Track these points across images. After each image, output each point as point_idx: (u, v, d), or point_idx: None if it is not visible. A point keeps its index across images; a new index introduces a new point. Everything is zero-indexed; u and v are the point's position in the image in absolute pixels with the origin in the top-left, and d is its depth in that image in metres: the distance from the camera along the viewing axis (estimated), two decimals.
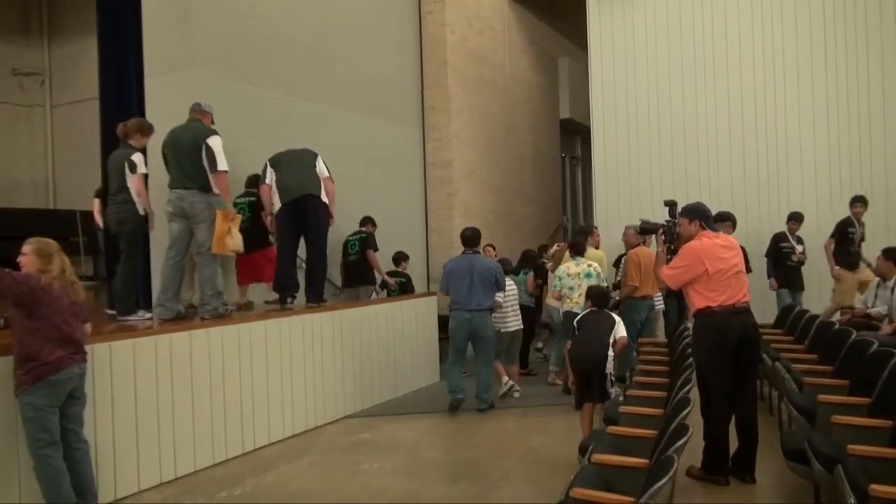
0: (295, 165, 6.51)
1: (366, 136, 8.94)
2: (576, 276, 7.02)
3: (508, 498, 4.55)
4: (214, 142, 5.69)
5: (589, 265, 7.09)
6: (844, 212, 8.11)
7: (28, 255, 3.81)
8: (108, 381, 4.54)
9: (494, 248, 8.92)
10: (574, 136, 15.38)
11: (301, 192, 6.40)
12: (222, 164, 5.68)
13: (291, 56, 7.92)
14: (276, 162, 6.55)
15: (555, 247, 8.79)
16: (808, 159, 9.25)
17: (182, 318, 5.83)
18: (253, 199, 7.00)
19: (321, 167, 6.61)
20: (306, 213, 6.43)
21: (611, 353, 5.20)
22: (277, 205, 6.46)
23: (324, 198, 6.52)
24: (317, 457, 5.60)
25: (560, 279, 7.09)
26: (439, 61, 10.39)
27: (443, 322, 7.78)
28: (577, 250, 7.26)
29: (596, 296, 5.74)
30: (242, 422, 5.62)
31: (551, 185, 14.15)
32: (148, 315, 6.02)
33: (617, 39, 10.34)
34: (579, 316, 5.81)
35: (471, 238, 6.99)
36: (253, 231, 6.77)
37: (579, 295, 6.82)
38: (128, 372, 4.72)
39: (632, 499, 2.72)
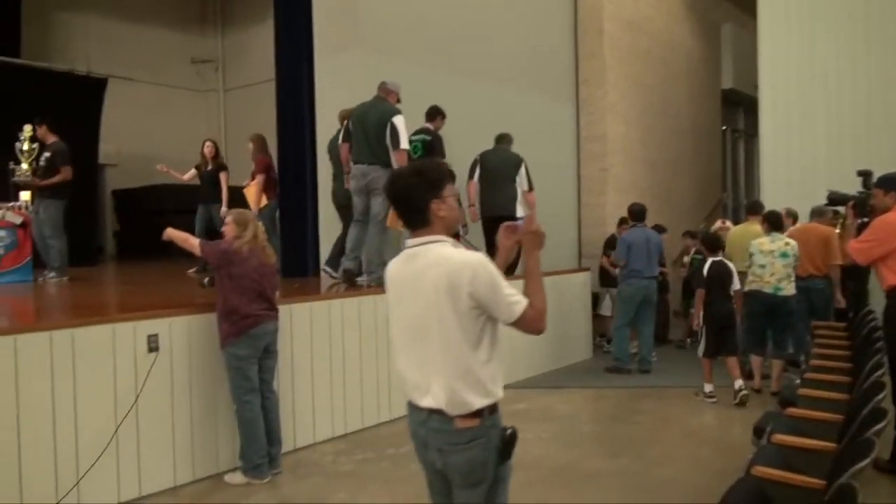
0: (496, 176, 7.04)
1: (519, 112, 8.91)
2: (769, 254, 6.42)
3: (672, 476, 4.47)
4: (399, 121, 5.92)
5: (786, 243, 6.42)
6: None
7: (229, 223, 4.38)
8: (288, 340, 4.92)
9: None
10: (737, 107, 14.50)
11: (491, 213, 6.91)
12: (404, 143, 5.91)
13: (449, 34, 8.05)
14: (484, 161, 7.12)
15: (717, 224, 8.37)
16: None
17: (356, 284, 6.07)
18: (428, 138, 6.85)
19: (522, 179, 6.99)
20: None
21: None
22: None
23: (518, 212, 6.85)
24: None
25: (752, 255, 6.53)
26: (595, 31, 10.15)
27: None
28: (775, 225, 6.57)
29: (709, 241, 6.43)
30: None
31: (710, 160, 13.44)
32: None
33: (790, 4, 9.58)
34: (707, 265, 6.27)
35: (640, 212, 7.59)
36: None
37: (771, 275, 6.37)
38: (305, 333, 5.10)
39: (822, 480, 2.61)
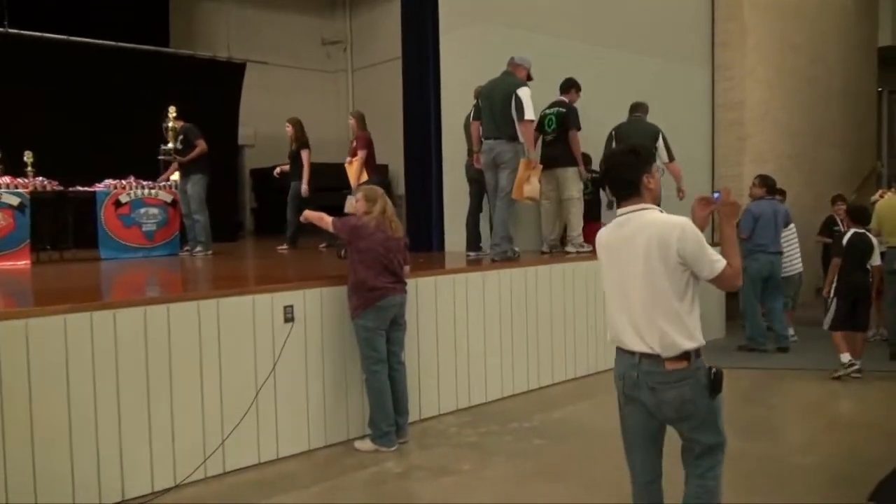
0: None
1: (650, 79, 8.51)
2: None
3: (815, 464, 4.18)
4: (524, 92, 5.90)
5: None
6: None
7: (360, 199, 4.55)
8: (414, 314, 5.01)
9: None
10: None
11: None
12: (529, 114, 5.88)
13: (576, 1, 7.81)
14: (620, 134, 6.98)
15: (877, 195, 7.66)
16: None
17: (511, 260, 6.11)
18: (563, 110, 6.74)
19: (661, 151, 6.88)
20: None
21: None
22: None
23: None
24: (599, 399, 5.65)
25: None
26: None
27: None
28: None
29: (856, 212, 6.28)
30: (528, 361, 5.87)
31: (864, 126, 12.31)
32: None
33: None
34: (847, 237, 6.10)
35: (773, 185, 7.43)
36: (559, 146, 6.69)
37: None
38: (430, 306, 5.18)
39: None
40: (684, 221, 2.53)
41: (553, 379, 6.08)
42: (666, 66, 8.92)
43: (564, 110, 6.70)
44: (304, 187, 7.98)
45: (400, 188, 10.49)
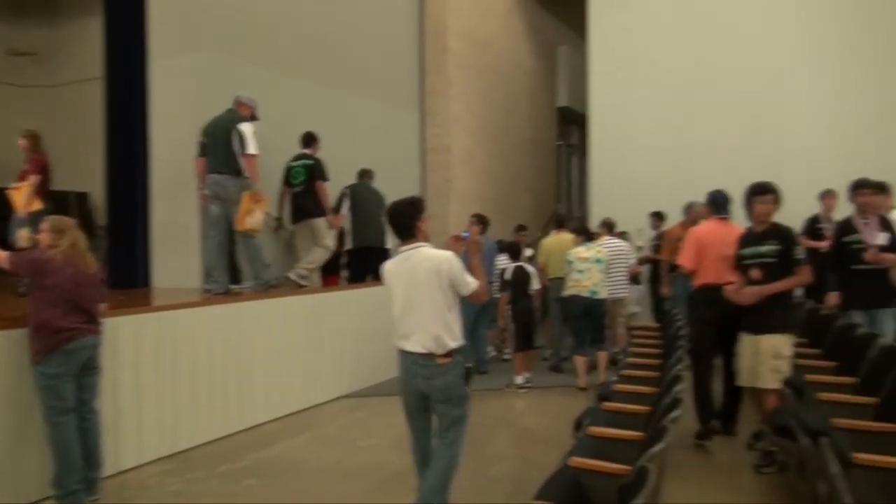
0: (368, 211, 7.61)
1: (363, 119, 8.97)
2: (586, 261, 7.04)
3: (503, 474, 4.67)
4: (245, 128, 6.11)
5: (598, 251, 7.16)
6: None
7: (44, 231, 4.10)
8: (110, 356, 4.60)
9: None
10: (571, 124, 15.42)
11: (363, 244, 7.61)
12: (251, 149, 6.08)
13: (294, 37, 7.94)
14: (355, 195, 7.66)
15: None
16: (805, 148, 9.31)
17: (231, 294, 6.10)
18: (310, 163, 6.96)
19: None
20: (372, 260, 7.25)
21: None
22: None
23: (388, 243, 7.42)
24: (315, 434, 5.71)
25: (571, 263, 7.13)
26: (440, 47, 10.43)
27: None
28: (589, 236, 7.36)
29: (511, 249, 7.47)
30: (241, 399, 5.71)
31: (548, 173, 14.22)
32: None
33: (616, 28, 10.42)
34: (511, 269, 7.18)
35: (487, 222, 7.83)
36: (308, 197, 6.94)
37: (588, 279, 6.98)
38: (130, 347, 4.80)
39: (627, 466, 2.84)
40: (450, 254, 3.50)
41: (268, 416, 5.99)
42: (381, 107, 9.47)
43: (312, 162, 6.99)
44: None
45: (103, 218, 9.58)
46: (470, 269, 3.59)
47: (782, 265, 4.41)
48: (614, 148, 10.27)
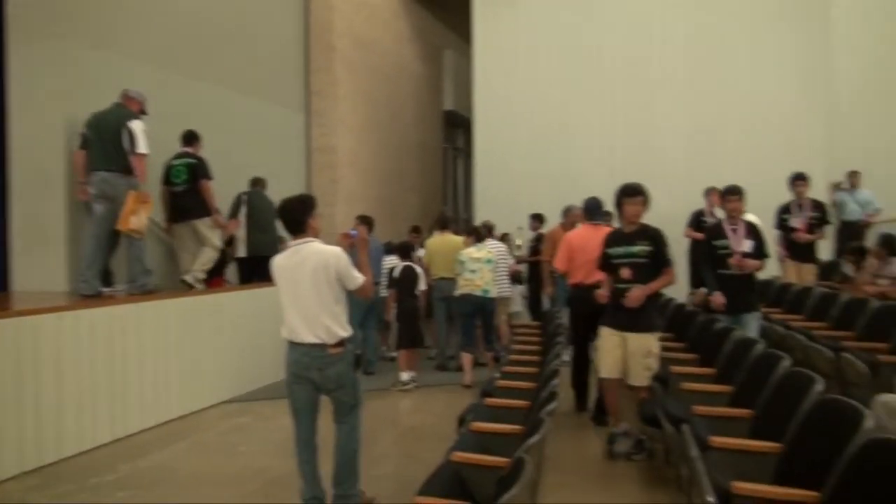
0: (262, 219, 7.47)
1: (246, 118, 8.75)
2: (478, 261, 7.24)
3: (388, 472, 4.70)
4: (136, 125, 5.87)
5: (489, 251, 7.40)
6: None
7: None
8: None
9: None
10: (457, 127, 15.71)
11: (257, 252, 7.38)
12: (142, 148, 5.84)
13: (172, 31, 7.62)
14: (251, 203, 7.52)
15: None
16: (682, 150, 9.94)
17: (100, 297, 5.81)
18: (192, 161, 6.72)
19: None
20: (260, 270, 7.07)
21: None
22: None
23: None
24: (194, 441, 5.51)
25: (462, 263, 7.30)
26: (325, 46, 10.32)
27: None
28: (480, 237, 7.54)
29: (403, 249, 7.54)
30: (113, 407, 5.42)
31: (434, 175, 14.40)
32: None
33: (500, 33, 10.72)
34: (400, 268, 7.33)
35: (372, 223, 7.73)
36: (191, 196, 6.69)
37: (480, 278, 7.19)
38: None
39: (507, 459, 2.94)
40: (338, 250, 3.67)
41: (144, 424, 5.72)
42: (265, 107, 9.25)
43: (194, 161, 6.74)
44: None
45: None
46: (357, 265, 3.77)
47: (652, 265, 4.65)
48: (498, 151, 10.56)
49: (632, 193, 4.76)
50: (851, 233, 9.01)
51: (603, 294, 4.81)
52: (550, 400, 3.13)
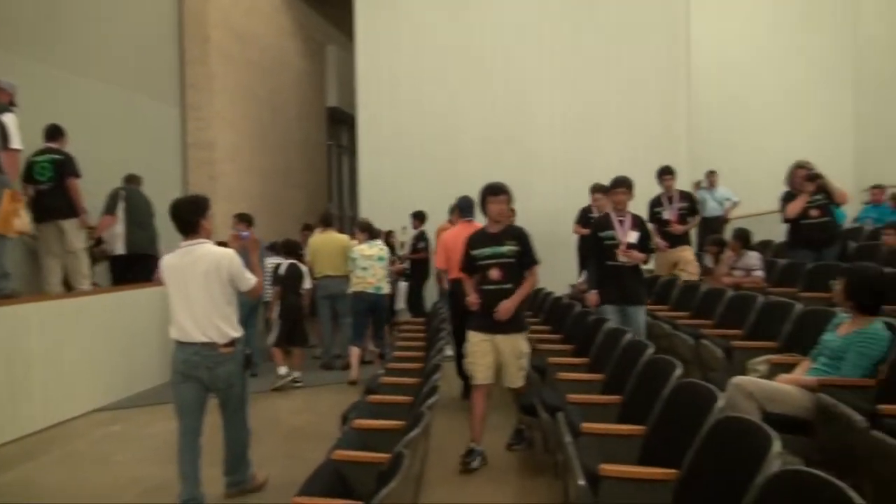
0: (140, 216, 7.23)
1: (115, 111, 8.30)
2: (370, 258, 7.24)
3: (273, 474, 4.62)
4: (9, 119, 5.48)
5: (381, 248, 7.40)
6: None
7: None
8: None
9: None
10: (341, 125, 15.57)
11: (135, 250, 7.18)
12: (15, 143, 5.48)
13: (38, 18, 7.10)
14: (129, 200, 7.19)
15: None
16: (560, 150, 10.32)
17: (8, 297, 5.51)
18: (58, 157, 6.27)
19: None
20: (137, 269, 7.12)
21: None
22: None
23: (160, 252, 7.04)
24: (63, 452, 5.18)
25: (354, 260, 7.27)
26: (201, 38, 9.93)
27: None
28: (372, 234, 7.53)
29: (289, 247, 7.58)
30: None
31: (318, 172, 14.21)
32: None
33: (382, 29, 10.68)
34: (285, 266, 7.29)
35: (251, 221, 7.58)
36: (58, 195, 6.25)
37: (373, 276, 7.18)
38: None
39: (387, 455, 2.98)
40: (230, 252, 3.82)
41: (3, 437, 5.31)
42: (138, 100, 8.81)
43: (61, 157, 6.29)
44: None
45: None
46: (249, 266, 3.91)
47: (519, 265, 4.50)
48: (383, 149, 10.56)
49: (496, 192, 4.53)
50: (711, 228, 9.70)
51: (473, 301, 4.52)
52: (431, 394, 3.21)
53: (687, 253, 7.59)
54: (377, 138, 10.59)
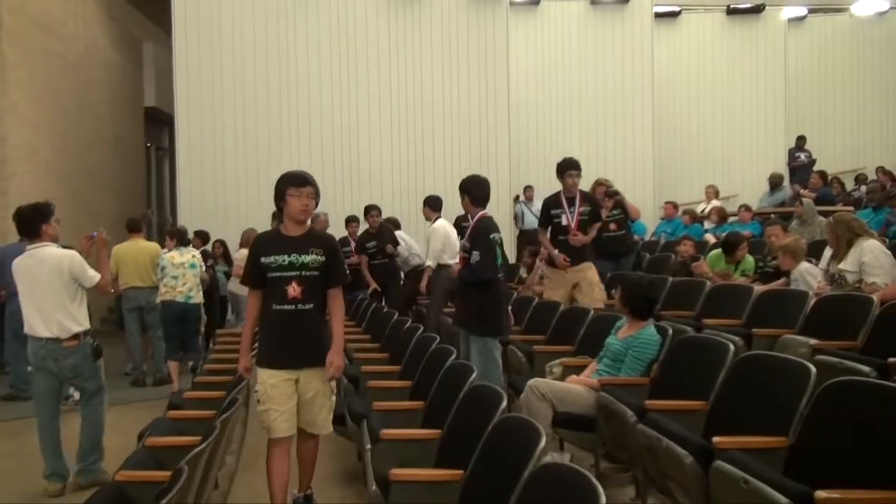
0: None
1: None
2: (180, 266, 6.92)
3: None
4: None
5: (193, 255, 7.10)
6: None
7: None
8: None
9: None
10: (162, 125, 14.69)
11: None
12: None
13: None
14: None
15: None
16: (388, 158, 10.38)
17: None
18: None
19: None
20: None
21: None
22: None
23: None
24: None
25: (164, 269, 6.91)
26: None
27: None
28: (182, 240, 7.20)
29: None
30: None
31: (135, 176, 13.32)
32: None
33: (202, 27, 10.13)
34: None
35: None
36: None
37: (183, 284, 6.89)
38: None
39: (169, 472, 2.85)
40: (72, 253, 4.26)
41: None
42: None
43: None
44: None
45: None
46: (98, 264, 4.35)
47: (323, 280, 3.57)
48: (203, 153, 10.09)
49: (299, 183, 3.55)
50: (528, 240, 10.25)
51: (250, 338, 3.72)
52: (228, 408, 3.12)
53: (591, 273, 6.08)
54: (197, 142, 10.09)
